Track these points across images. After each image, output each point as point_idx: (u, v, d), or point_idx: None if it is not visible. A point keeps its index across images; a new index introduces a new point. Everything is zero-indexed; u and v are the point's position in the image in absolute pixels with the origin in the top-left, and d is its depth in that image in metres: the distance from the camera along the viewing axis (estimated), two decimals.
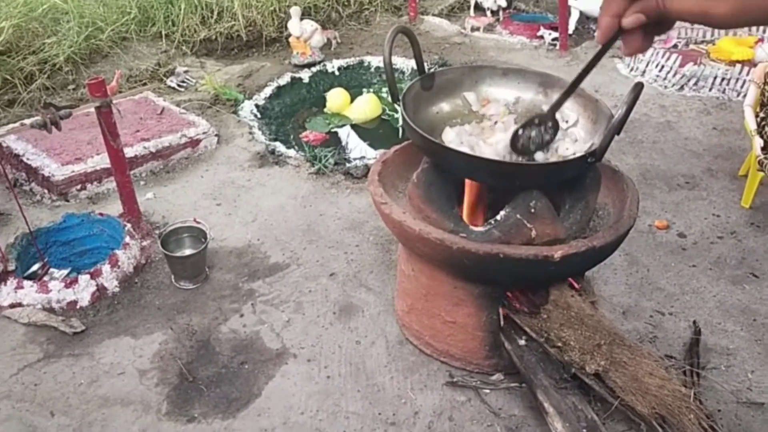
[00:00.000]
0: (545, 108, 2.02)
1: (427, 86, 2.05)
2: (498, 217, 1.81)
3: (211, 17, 4.26)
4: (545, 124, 1.68)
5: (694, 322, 2.14)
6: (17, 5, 3.68)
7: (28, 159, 2.83)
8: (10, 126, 3.05)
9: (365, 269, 2.43)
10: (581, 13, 4.54)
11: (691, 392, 1.71)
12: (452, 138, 1.94)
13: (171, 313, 2.23)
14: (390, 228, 1.96)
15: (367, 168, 3.00)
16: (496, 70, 2.14)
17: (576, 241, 1.77)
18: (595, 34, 4.22)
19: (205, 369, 2.02)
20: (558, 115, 1.96)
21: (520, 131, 1.68)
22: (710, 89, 3.63)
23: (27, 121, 3.02)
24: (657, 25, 0.79)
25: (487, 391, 1.93)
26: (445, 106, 2.08)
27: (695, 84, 3.65)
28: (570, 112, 1.95)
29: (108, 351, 2.08)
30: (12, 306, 2.20)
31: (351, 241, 2.58)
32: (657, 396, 1.68)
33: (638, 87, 1.68)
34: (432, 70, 2.07)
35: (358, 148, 3.37)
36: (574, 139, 1.85)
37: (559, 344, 1.79)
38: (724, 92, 3.61)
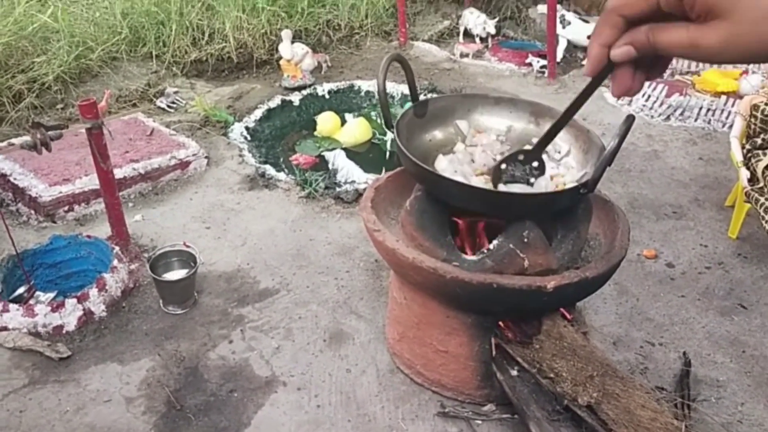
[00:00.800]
0: (535, 140, 2.05)
1: (421, 113, 2.06)
2: (491, 247, 1.81)
3: (202, 39, 4.27)
4: (530, 163, 1.62)
5: (684, 353, 2.15)
6: (7, 23, 3.66)
7: (15, 179, 2.80)
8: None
9: (355, 296, 2.42)
10: (569, 41, 4.61)
11: (683, 425, 1.72)
12: (445, 166, 1.94)
13: (159, 339, 2.20)
14: (383, 255, 1.95)
15: (358, 192, 3.00)
16: (489, 98, 2.16)
17: (569, 271, 1.77)
18: (584, 63, 4.27)
19: (193, 397, 1.99)
20: (550, 146, 1.99)
21: (503, 166, 1.63)
22: (696, 119, 3.69)
23: (15, 141, 2.99)
24: (650, 64, 0.75)
25: (479, 422, 1.92)
26: (438, 134, 2.09)
27: (681, 114, 3.71)
28: (562, 142, 1.96)
29: (94, 377, 2.05)
30: None
31: (341, 266, 2.57)
32: (649, 429, 1.67)
33: (630, 119, 1.70)
34: (423, 96, 2.09)
35: (345, 170, 3.36)
36: (569, 166, 1.87)
37: (552, 375, 1.78)
38: (709, 123, 3.67)
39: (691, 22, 0.66)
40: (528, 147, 1.68)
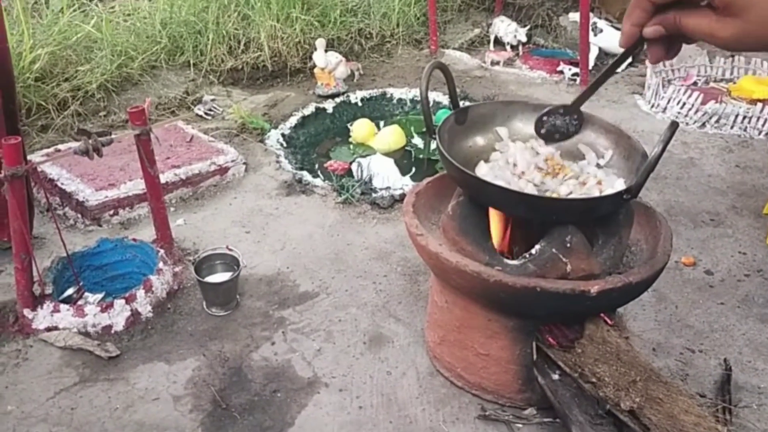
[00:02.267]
0: (577, 142, 2.07)
1: (461, 120, 2.09)
2: (533, 251, 1.83)
3: (238, 48, 4.35)
4: (570, 115, 1.72)
5: (725, 359, 2.15)
6: (52, 33, 3.78)
7: (62, 184, 2.89)
8: (46, 151, 3.14)
9: (394, 299, 2.45)
10: (600, 49, 4.61)
11: (725, 430, 1.72)
12: (486, 172, 1.98)
13: (203, 340, 2.26)
14: (425, 259, 1.98)
15: (393, 198, 3.04)
16: (528, 105, 2.18)
17: (612, 276, 1.79)
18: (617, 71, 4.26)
19: (238, 396, 2.04)
20: (593, 152, 2.01)
21: (545, 117, 1.72)
22: (732, 127, 3.67)
23: (62, 147, 3.10)
24: (679, 36, 0.88)
25: (520, 425, 1.93)
26: (479, 140, 2.12)
27: (717, 122, 3.69)
28: (605, 149, 1.98)
29: (142, 376, 2.10)
30: (48, 329, 2.23)
31: (379, 271, 2.61)
32: None
33: (674, 126, 1.72)
34: (465, 104, 2.12)
35: (379, 177, 3.40)
36: (613, 171, 1.90)
37: (594, 380, 1.79)
38: (745, 130, 3.65)
39: (712, 11, 0.80)
40: (567, 103, 1.74)
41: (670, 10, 0.85)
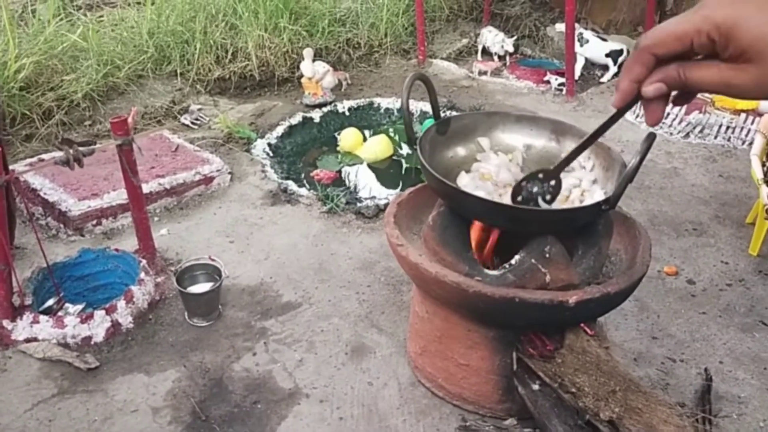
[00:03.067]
0: (558, 153, 2.08)
1: (443, 131, 2.10)
2: (513, 262, 1.83)
3: (225, 57, 4.35)
4: (548, 181, 1.67)
5: (706, 369, 2.15)
6: (38, 42, 3.77)
7: (45, 194, 2.87)
8: (29, 160, 3.12)
9: (377, 310, 2.45)
10: (587, 59, 4.64)
11: None
12: (467, 182, 1.98)
13: (184, 351, 2.24)
14: (405, 270, 1.98)
15: (378, 208, 3.04)
16: (510, 116, 2.19)
17: (591, 286, 1.79)
18: (602, 81, 4.28)
19: (218, 408, 2.03)
20: (577, 162, 2.02)
21: (523, 183, 1.68)
22: (715, 137, 3.69)
23: (46, 156, 3.08)
24: (680, 95, 0.80)
25: None
26: (460, 151, 2.13)
27: (701, 131, 3.72)
28: (585, 159, 1.99)
29: (122, 388, 2.09)
30: (27, 340, 2.21)
31: (362, 281, 2.60)
32: None
33: (651, 137, 1.72)
34: (442, 113, 2.13)
35: (368, 187, 3.41)
36: (591, 182, 1.90)
37: (573, 390, 1.79)
38: (729, 140, 3.67)
39: (719, 61, 0.71)
40: (549, 167, 1.71)
41: (671, 63, 0.75)
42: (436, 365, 2.04)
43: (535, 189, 1.68)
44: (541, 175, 1.67)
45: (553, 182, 1.67)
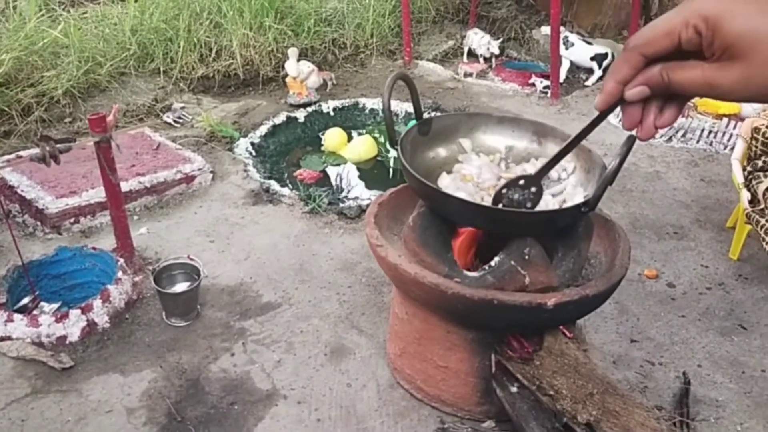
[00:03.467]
0: (535, 160, 2.08)
1: (425, 131, 2.08)
2: (492, 263, 1.83)
3: (210, 55, 4.32)
4: (529, 188, 1.66)
5: (684, 373, 2.15)
6: (18, 38, 3.72)
7: (22, 191, 2.83)
8: (7, 157, 3.08)
9: (357, 311, 2.43)
10: (572, 62, 4.66)
11: None
12: (448, 183, 1.97)
13: (161, 351, 2.22)
14: (385, 271, 1.97)
15: (361, 209, 3.02)
16: (492, 117, 2.18)
17: (569, 289, 1.79)
18: (586, 84, 4.28)
19: (194, 409, 2.00)
20: (560, 165, 2.02)
21: (504, 190, 1.66)
22: (698, 141, 3.72)
23: (24, 153, 3.04)
24: (666, 103, 0.76)
25: None
26: (441, 152, 2.12)
27: (683, 136, 3.74)
28: (567, 162, 1.99)
29: (96, 388, 2.06)
30: (1, 339, 2.17)
31: (343, 282, 2.59)
32: None
33: (631, 140, 1.72)
34: (427, 114, 2.12)
35: (356, 188, 3.40)
36: (571, 185, 1.90)
37: (551, 392, 1.79)
38: (711, 144, 3.70)
39: (704, 61, 0.68)
40: (530, 173, 1.70)
41: (656, 65, 0.72)
42: (415, 367, 2.03)
43: (516, 196, 1.67)
44: (522, 182, 1.66)
45: (534, 189, 1.65)
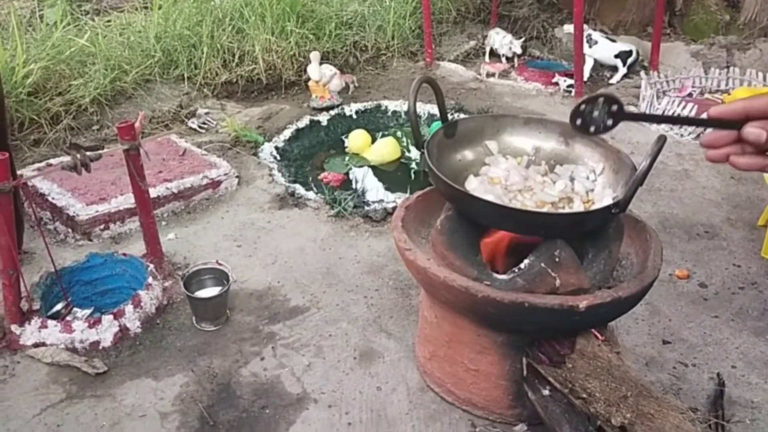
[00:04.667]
0: (567, 156, 2.06)
1: (450, 134, 2.08)
2: (522, 266, 1.82)
3: (233, 61, 4.35)
4: (610, 105, 1.56)
5: (718, 374, 2.12)
6: (45, 47, 3.78)
7: (53, 198, 2.88)
8: (38, 165, 3.13)
9: (385, 314, 2.43)
10: (595, 60, 4.62)
11: None
12: (476, 186, 1.97)
13: (192, 355, 2.24)
14: (413, 274, 1.97)
15: (386, 211, 3.03)
16: (518, 119, 2.17)
17: (601, 291, 1.77)
18: (611, 82, 4.20)
19: (226, 413, 2.02)
20: (583, 168, 2.00)
21: (582, 107, 1.58)
22: None
23: (54, 161, 3.09)
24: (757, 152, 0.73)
25: None
26: (468, 154, 2.11)
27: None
28: (595, 163, 1.98)
29: (129, 393, 2.08)
30: (36, 345, 2.21)
31: (370, 285, 2.59)
32: None
33: (662, 140, 1.70)
34: (450, 115, 2.10)
35: (374, 190, 3.41)
36: (603, 185, 1.88)
37: (584, 395, 1.77)
38: None
39: None
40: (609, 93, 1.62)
41: None
42: (445, 370, 2.03)
43: (596, 114, 1.58)
44: (601, 99, 1.57)
45: (615, 107, 1.54)
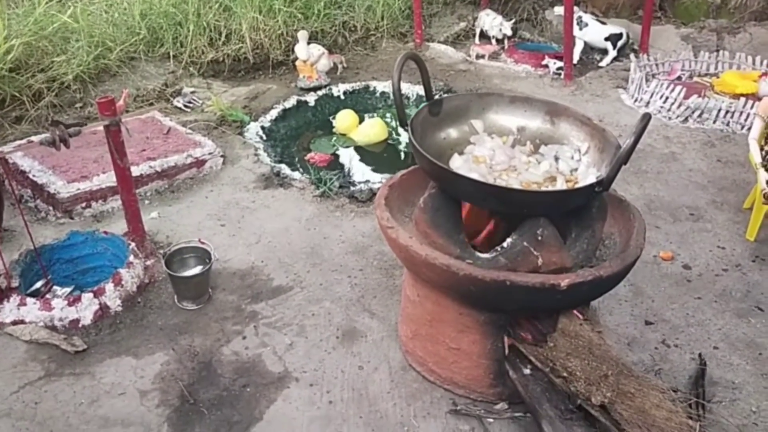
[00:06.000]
0: (552, 135, 2.05)
1: (435, 112, 2.06)
2: (504, 245, 1.80)
3: (219, 39, 4.30)
4: None
5: (700, 354, 2.13)
6: (28, 23, 3.71)
7: (34, 176, 2.84)
8: (18, 142, 3.08)
9: (369, 294, 2.42)
10: (585, 43, 4.59)
11: (697, 425, 1.70)
12: (460, 164, 1.95)
13: (173, 334, 2.22)
14: (396, 253, 1.95)
15: (372, 192, 3.00)
16: (503, 97, 2.15)
17: (583, 269, 1.76)
18: (600, 65, 4.17)
19: (207, 391, 2.00)
20: (568, 147, 1.99)
21: None
22: (714, 121, 3.65)
23: (35, 138, 3.03)
24: None
25: (491, 420, 1.91)
26: (452, 132, 2.09)
27: (699, 116, 3.68)
28: (580, 142, 1.96)
29: (109, 371, 2.06)
30: (14, 323, 2.18)
31: (355, 265, 2.57)
32: (663, 429, 1.66)
33: (646, 117, 1.69)
34: (438, 96, 2.08)
35: (360, 172, 3.38)
36: (587, 165, 1.87)
37: (565, 374, 1.77)
38: (728, 125, 3.63)
39: None
40: None
41: None
42: (427, 349, 2.02)
43: None
44: None
45: None
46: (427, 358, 2.03)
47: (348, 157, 3.54)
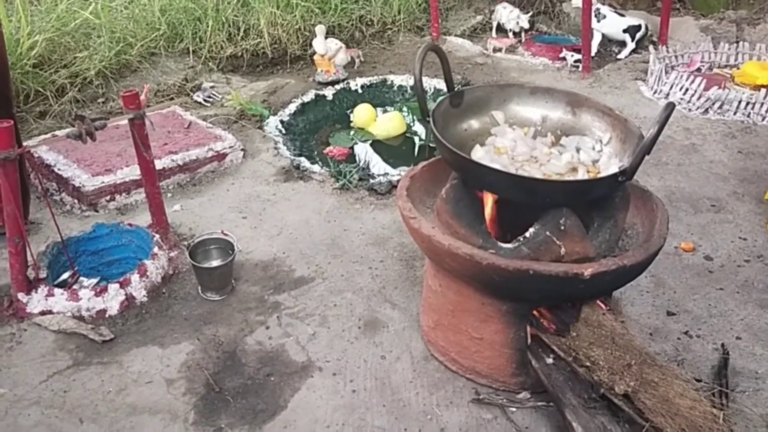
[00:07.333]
0: (574, 126, 2.05)
1: (456, 103, 2.07)
2: (527, 234, 1.81)
3: (238, 34, 4.33)
4: None
5: (723, 344, 2.12)
6: (51, 20, 3.77)
7: (59, 169, 2.88)
8: (44, 137, 3.13)
9: (390, 285, 2.44)
10: (603, 35, 4.56)
11: (721, 414, 1.70)
12: (482, 155, 1.96)
13: (198, 324, 2.25)
14: (418, 243, 1.97)
15: (391, 184, 3.02)
16: (524, 88, 2.16)
17: (606, 259, 1.77)
18: (619, 58, 4.15)
19: (232, 380, 2.03)
20: (589, 137, 1.99)
21: None
22: (735, 113, 3.63)
23: (59, 132, 3.09)
24: None
25: (514, 409, 1.92)
26: (474, 123, 2.10)
27: (720, 107, 3.65)
28: (602, 132, 1.96)
29: (136, 360, 2.10)
30: (42, 313, 2.22)
31: (375, 256, 2.59)
32: (687, 417, 1.66)
33: (670, 106, 1.69)
34: (456, 89, 2.10)
35: (379, 165, 3.40)
36: (609, 155, 1.87)
37: (588, 363, 1.77)
38: (749, 116, 3.60)
39: None
40: None
41: None
42: (449, 339, 2.03)
43: None
44: None
45: None
46: (450, 347, 2.04)
47: (366, 150, 3.55)
